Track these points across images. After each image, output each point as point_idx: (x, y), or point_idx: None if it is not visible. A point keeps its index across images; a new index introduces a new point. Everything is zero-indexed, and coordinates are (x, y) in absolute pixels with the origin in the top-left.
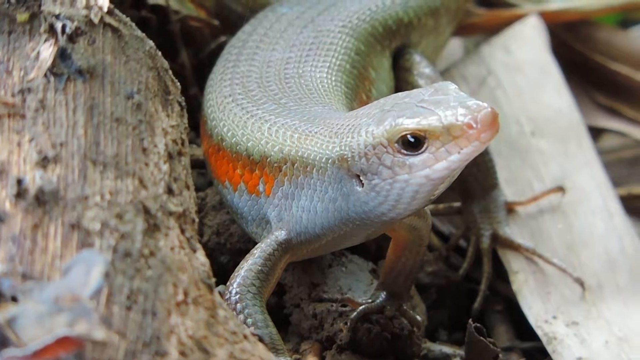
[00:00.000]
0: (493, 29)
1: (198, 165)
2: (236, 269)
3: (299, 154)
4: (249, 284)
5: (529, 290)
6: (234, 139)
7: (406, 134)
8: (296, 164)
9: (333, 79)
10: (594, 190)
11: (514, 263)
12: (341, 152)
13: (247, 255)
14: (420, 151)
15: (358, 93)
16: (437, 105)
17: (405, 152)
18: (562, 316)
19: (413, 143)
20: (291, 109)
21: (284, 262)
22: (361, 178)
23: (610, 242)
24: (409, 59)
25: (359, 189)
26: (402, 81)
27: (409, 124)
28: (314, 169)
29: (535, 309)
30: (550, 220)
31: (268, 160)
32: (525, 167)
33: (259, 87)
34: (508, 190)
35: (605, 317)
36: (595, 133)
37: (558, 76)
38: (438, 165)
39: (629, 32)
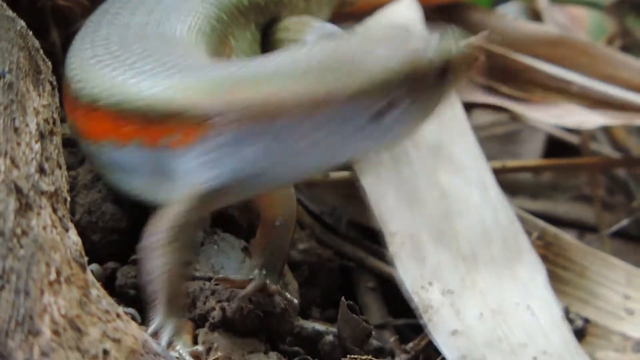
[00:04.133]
0: (369, 15)
1: (69, 144)
2: (152, 225)
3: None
4: (166, 238)
5: (405, 253)
6: (113, 98)
7: None
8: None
9: (193, 38)
10: (469, 162)
11: (391, 224)
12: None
13: (163, 211)
14: None
15: (218, 56)
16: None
17: None
18: (437, 283)
19: None
20: (164, 63)
21: (200, 215)
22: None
23: (485, 213)
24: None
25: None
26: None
27: None
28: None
29: (411, 274)
30: (426, 187)
31: (166, 114)
32: None
33: (120, 48)
34: None
35: (479, 288)
36: (468, 109)
37: None
38: None
39: (498, 10)
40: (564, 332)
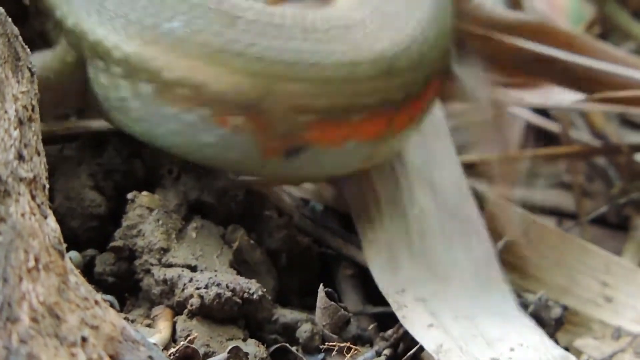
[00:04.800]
0: None
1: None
2: None
3: None
4: None
5: (380, 261)
6: None
7: None
8: None
9: None
10: (449, 187)
11: (370, 232)
12: None
13: None
14: None
15: None
16: None
17: None
18: (410, 291)
19: None
20: None
21: None
22: None
23: (460, 242)
24: None
25: None
26: None
27: None
28: None
29: (385, 279)
30: (407, 203)
31: None
32: None
33: None
34: None
35: (451, 301)
36: None
37: None
38: None
39: None
40: (539, 332)
